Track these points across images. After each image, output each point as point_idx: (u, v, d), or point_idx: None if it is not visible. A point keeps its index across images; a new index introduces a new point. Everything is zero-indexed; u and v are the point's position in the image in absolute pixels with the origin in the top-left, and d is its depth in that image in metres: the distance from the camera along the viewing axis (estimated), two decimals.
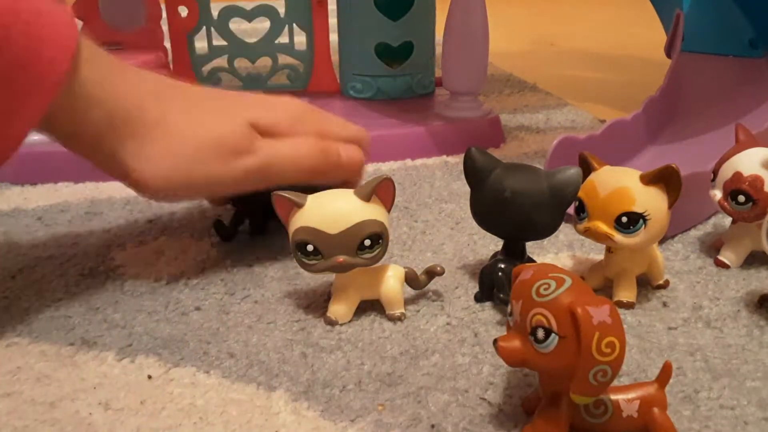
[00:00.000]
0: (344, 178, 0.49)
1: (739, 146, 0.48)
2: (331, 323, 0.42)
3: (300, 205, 0.40)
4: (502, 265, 0.43)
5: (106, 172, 0.44)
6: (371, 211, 0.40)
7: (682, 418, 0.34)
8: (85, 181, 0.65)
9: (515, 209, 0.41)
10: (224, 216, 0.55)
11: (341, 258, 0.40)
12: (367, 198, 0.40)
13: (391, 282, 0.43)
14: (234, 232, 0.53)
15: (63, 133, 0.43)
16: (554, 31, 1.45)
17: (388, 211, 0.42)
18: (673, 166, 0.41)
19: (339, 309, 0.43)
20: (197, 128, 0.44)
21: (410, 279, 0.44)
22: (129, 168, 0.43)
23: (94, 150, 0.43)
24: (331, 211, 0.40)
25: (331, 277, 0.45)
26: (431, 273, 0.45)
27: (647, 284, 0.46)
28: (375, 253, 0.41)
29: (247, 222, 0.54)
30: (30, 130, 0.39)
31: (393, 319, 0.43)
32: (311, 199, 0.41)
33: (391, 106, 0.77)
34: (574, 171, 0.41)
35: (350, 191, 0.41)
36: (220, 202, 0.55)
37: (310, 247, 0.40)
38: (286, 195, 0.41)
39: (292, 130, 0.47)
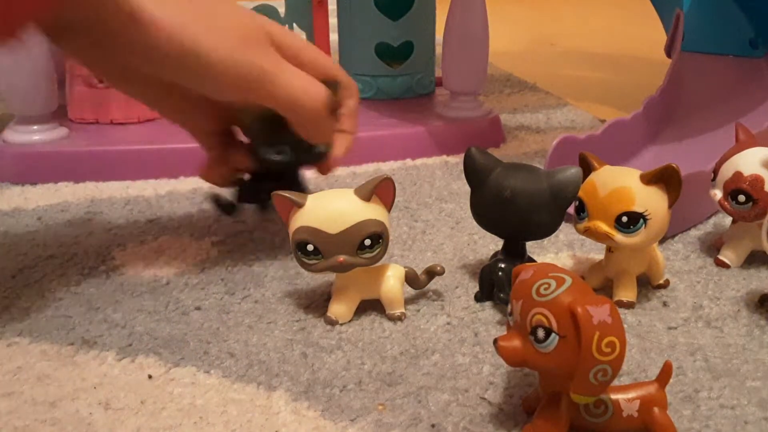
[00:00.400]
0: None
1: (740, 146, 0.48)
2: (332, 323, 0.42)
3: (300, 205, 0.40)
4: (503, 265, 0.43)
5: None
6: (371, 211, 0.40)
7: (683, 417, 0.34)
8: (85, 180, 0.65)
9: (515, 209, 0.41)
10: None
11: (341, 258, 0.40)
12: (367, 198, 0.40)
13: (392, 282, 0.43)
14: (234, 205, 0.51)
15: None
16: (554, 31, 1.45)
17: (388, 210, 0.42)
18: (673, 165, 0.41)
19: (339, 309, 0.43)
20: (218, 5, 0.43)
21: (410, 279, 0.44)
22: (141, 10, 0.39)
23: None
24: (331, 210, 0.40)
25: (331, 276, 0.45)
26: (431, 273, 0.45)
27: (647, 284, 0.46)
28: (375, 252, 0.41)
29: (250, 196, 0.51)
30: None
31: (393, 318, 0.43)
32: (311, 199, 0.41)
33: (391, 105, 0.77)
34: (574, 171, 0.41)
35: (350, 191, 0.41)
36: (224, 181, 0.51)
37: (310, 247, 0.40)
38: (287, 195, 0.41)
39: (300, 54, 0.46)
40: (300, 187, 0.50)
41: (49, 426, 0.35)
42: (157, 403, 0.36)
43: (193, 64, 0.41)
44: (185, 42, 0.40)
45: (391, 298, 0.43)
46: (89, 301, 0.45)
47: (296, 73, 0.44)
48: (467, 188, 0.44)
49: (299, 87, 0.44)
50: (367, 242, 0.40)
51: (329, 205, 0.40)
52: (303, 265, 0.41)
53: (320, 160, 0.49)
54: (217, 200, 0.51)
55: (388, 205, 0.42)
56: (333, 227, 0.40)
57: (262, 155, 0.48)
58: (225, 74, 0.42)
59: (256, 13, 0.46)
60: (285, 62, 0.44)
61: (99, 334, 0.42)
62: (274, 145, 0.47)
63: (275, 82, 0.43)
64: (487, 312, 0.44)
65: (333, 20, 0.79)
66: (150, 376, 0.38)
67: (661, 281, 0.46)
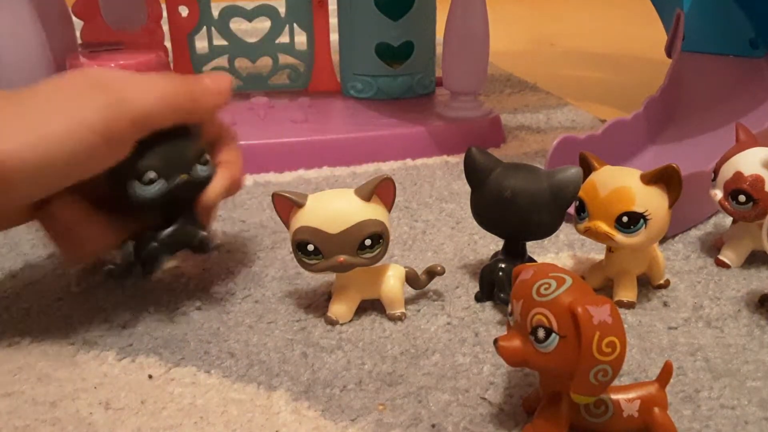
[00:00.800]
0: (212, 105, 0.43)
1: (740, 146, 0.48)
2: (332, 323, 0.42)
3: (300, 205, 0.40)
4: (503, 265, 0.43)
5: None
6: (372, 211, 0.40)
7: (683, 417, 0.34)
8: None
9: (516, 209, 0.41)
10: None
11: (342, 257, 0.40)
12: (367, 198, 0.40)
13: (392, 282, 0.43)
14: (131, 265, 0.43)
15: None
16: (555, 31, 1.45)
17: (389, 210, 0.42)
18: (674, 165, 0.41)
19: (339, 309, 0.43)
20: (34, 97, 0.38)
21: (410, 278, 0.44)
22: None
23: None
24: (331, 210, 0.40)
25: (331, 276, 0.45)
26: (432, 273, 0.45)
27: (648, 284, 0.46)
28: (375, 252, 0.41)
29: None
30: None
31: (393, 318, 0.43)
32: (311, 199, 0.41)
33: (391, 105, 0.77)
34: (574, 171, 0.41)
35: (350, 191, 0.41)
36: (105, 247, 0.42)
37: (310, 247, 0.40)
38: (287, 195, 0.41)
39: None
40: (196, 224, 0.43)
41: (50, 426, 0.35)
42: (158, 403, 0.36)
43: (52, 173, 0.37)
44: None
45: (392, 298, 0.43)
46: (89, 301, 0.45)
47: (136, 79, 0.40)
48: (467, 188, 0.44)
49: (148, 85, 0.39)
50: (368, 242, 0.40)
51: (329, 205, 0.40)
52: (303, 265, 0.41)
53: (202, 186, 0.42)
54: (110, 272, 0.43)
55: (389, 205, 0.42)
56: (333, 227, 0.40)
57: (134, 193, 0.39)
58: (88, 143, 0.37)
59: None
60: (120, 78, 0.39)
61: (99, 334, 0.42)
62: (141, 175, 0.39)
63: (126, 99, 0.38)
64: (488, 312, 0.44)
65: (333, 20, 0.79)
66: (150, 376, 0.38)
67: (662, 281, 0.46)
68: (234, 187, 0.45)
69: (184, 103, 0.41)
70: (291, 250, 0.41)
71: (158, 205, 0.40)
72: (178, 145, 0.41)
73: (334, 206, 0.40)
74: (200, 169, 0.42)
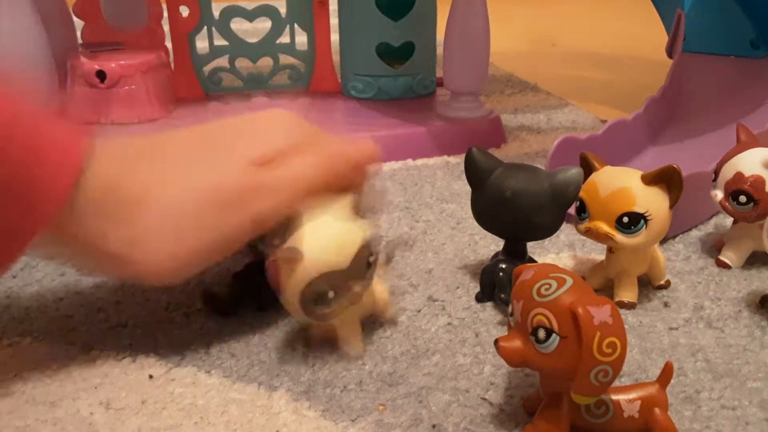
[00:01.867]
0: (353, 180, 0.42)
1: (741, 146, 0.48)
2: (355, 357, 0.40)
3: (299, 257, 0.35)
4: (503, 265, 0.43)
5: (110, 275, 0.39)
6: (364, 226, 0.38)
7: (684, 418, 0.34)
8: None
9: (516, 209, 0.41)
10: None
11: (357, 288, 0.36)
12: (358, 212, 0.38)
13: (378, 287, 0.41)
14: (233, 307, 0.44)
15: (63, 239, 0.36)
16: (555, 31, 1.45)
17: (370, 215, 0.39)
18: (675, 166, 0.41)
19: (357, 343, 0.40)
20: (188, 187, 0.37)
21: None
22: (124, 260, 0.36)
23: (89, 251, 0.37)
24: (335, 243, 0.36)
25: None
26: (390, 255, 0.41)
27: (648, 284, 0.46)
28: (375, 267, 0.38)
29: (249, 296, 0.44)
30: (30, 242, 0.34)
31: (390, 320, 0.43)
32: (304, 242, 0.36)
33: (392, 106, 0.77)
34: (575, 171, 0.41)
35: (333, 210, 0.37)
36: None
37: (331, 293, 0.36)
38: (282, 254, 0.35)
39: (292, 151, 0.40)
40: None
41: (50, 426, 0.35)
42: (158, 403, 0.36)
43: (211, 260, 0.38)
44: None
45: (384, 304, 0.42)
46: (90, 301, 0.45)
47: (289, 168, 0.39)
48: (468, 188, 0.44)
49: (301, 173, 0.39)
50: (371, 258, 0.37)
51: (329, 239, 0.36)
52: (318, 317, 0.36)
53: None
54: (211, 300, 0.44)
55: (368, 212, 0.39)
56: (343, 261, 0.36)
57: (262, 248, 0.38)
58: (248, 236, 0.38)
59: (224, 135, 0.40)
60: (275, 171, 0.39)
61: (100, 334, 0.42)
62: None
63: (282, 191, 0.38)
64: (488, 312, 0.44)
65: (334, 20, 0.79)
66: (151, 376, 0.38)
67: (662, 282, 0.46)
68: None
69: (328, 187, 0.40)
70: (295, 308, 0.37)
71: None
72: None
73: (335, 237, 0.36)
74: None
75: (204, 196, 0.37)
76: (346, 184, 0.41)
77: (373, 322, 0.43)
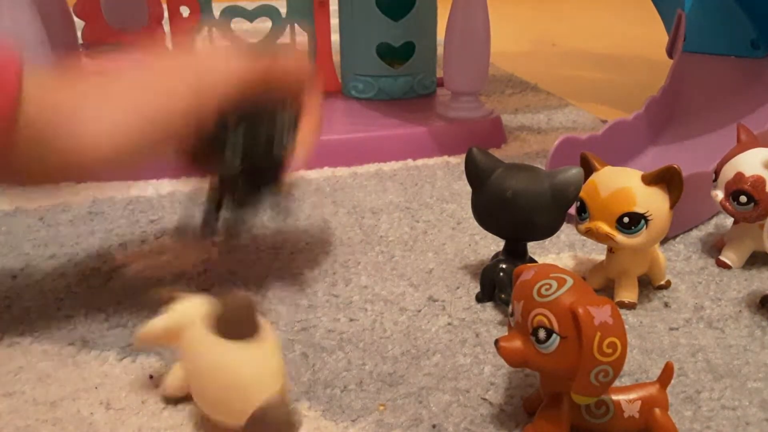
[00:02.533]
0: (290, 87, 0.43)
1: (741, 147, 0.48)
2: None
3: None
4: (504, 266, 0.43)
5: (53, 175, 0.39)
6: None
7: (684, 418, 0.34)
8: (87, 180, 0.65)
9: (516, 209, 0.41)
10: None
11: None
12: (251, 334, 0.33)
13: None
14: (214, 223, 0.43)
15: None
16: (556, 32, 1.45)
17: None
18: (675, 166, 0.41)
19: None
20: (125, 80, 0.40)
21: None
22: (65, 134, 0.36)
23: (32, 150, 0.36)
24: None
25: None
26: None
27: (649, 285, 0.46)
28: None
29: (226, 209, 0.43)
30: None
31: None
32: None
33: (392, 106, 0.77)
34: (575, 171, 0.41)
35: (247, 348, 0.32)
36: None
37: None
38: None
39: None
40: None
41: (51, 426, 0.35)
42: (158, 403, 0.36)
43: (144, 147, 0.39)
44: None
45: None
46: (90, 301, 0.45)
47: (213, 54, 0.43)
48: (468, 189, 0.44)
49: (224, 61, 0.41)
50: None
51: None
52: None
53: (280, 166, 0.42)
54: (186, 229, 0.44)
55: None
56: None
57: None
58: (175, 120, 0.39)
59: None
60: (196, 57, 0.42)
61: (100, 334, 0.42)
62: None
63: (204, 72, 0.41)
64: (489, 312, 0.44)
65: (334, 21, 0.79)
66: (151, 376, 0.38)
67: (663, 282, 0.46)
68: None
69: (259, 83, 0.41)
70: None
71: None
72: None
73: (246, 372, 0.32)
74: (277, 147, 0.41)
75: (141, 82, 0.40)
76: (282, 88, 0.42)
77: (373, 322, 0.43)
